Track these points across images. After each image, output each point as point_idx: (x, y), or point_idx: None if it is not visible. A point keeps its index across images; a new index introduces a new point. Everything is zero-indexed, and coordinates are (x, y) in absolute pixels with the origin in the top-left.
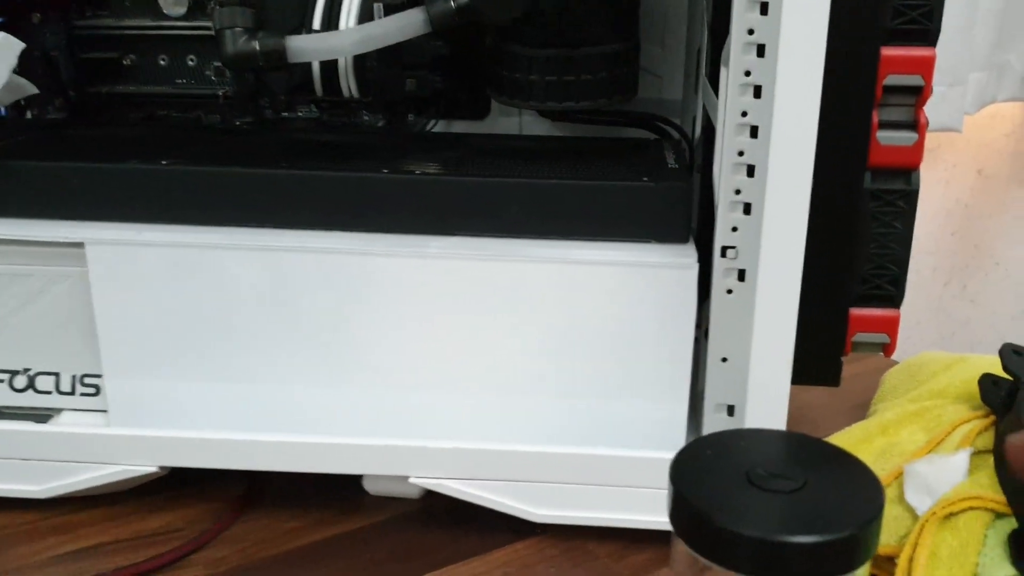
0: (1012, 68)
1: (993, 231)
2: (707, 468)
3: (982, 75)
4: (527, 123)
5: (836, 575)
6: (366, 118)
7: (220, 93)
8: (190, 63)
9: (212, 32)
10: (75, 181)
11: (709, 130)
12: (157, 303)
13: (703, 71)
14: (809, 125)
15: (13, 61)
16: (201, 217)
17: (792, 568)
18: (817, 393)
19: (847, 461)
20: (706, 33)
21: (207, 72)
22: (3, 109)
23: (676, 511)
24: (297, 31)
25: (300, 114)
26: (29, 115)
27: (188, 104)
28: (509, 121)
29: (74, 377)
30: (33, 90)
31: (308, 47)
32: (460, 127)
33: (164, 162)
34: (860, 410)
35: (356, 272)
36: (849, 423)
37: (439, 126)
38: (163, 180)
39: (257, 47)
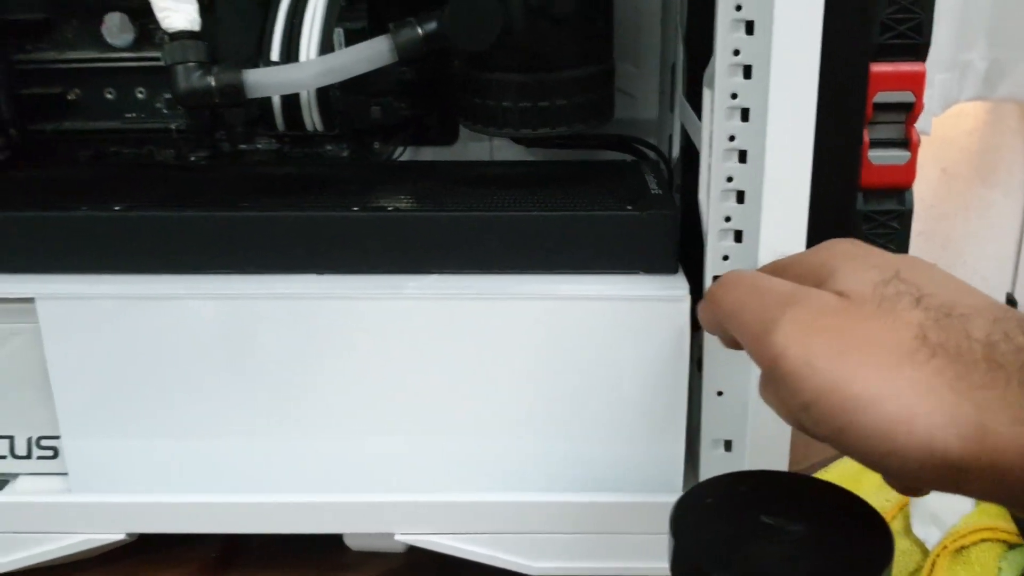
0: (974, 67)
1: (959, 229)
2: (708, 517)
3: (946, 76)
4: (498, 147)
5: None
6: (329, 148)
7: (173, 127)
8: (139, 96)
9: (161, 63)
10: (22, 232)
11: (689, 150)
12: (115, 358)
13: (679, 89)
14: (804, 149)
15: None
16: (158, 265)
17: None
18: None
19: (853, 505)
20: (681, 49)
21: (158, 105)
22: None
23: (678, 565)
24: (252, 62)
25: (259, 146)
26: None
27: (139, 139)
28: (479, 146)
29: (30, 439)
30: None
31: (267, 81)
32: (428, 154)
33: (117, 208)
34: None
35: (329, 317)
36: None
37: (406, 153)
38: (116, 227)
39: (212, 83)
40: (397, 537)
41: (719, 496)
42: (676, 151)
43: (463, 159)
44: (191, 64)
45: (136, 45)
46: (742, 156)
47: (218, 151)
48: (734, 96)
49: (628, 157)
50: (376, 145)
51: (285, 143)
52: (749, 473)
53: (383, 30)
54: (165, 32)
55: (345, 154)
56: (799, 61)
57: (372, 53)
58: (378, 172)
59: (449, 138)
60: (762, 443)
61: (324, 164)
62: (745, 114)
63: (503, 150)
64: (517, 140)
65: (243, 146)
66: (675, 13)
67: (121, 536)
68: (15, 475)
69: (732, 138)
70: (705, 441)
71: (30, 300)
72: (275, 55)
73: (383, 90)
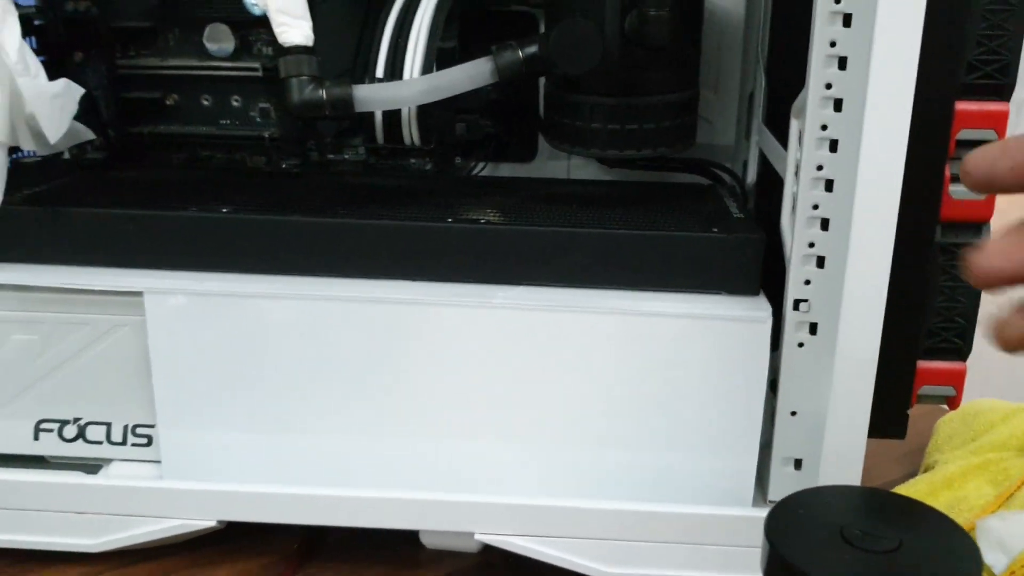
0: None
1: None
2: (800, 526)
3: None
4: (575, 166)
5: None
6: (413, 161)
7: (265, 135)
8: (235, 104)
9: (258, 73)
10: (133, 228)
11: (766, 177)
12: (214, 353)
13: (758, 117)
14: (893, 181)
15: (74, 108)
16: (262, 266)
17: None
18: (868, 441)
19: (940, 521)
20: (762, 78)
21: (252, 113)
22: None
23: (772, 569)
24: (347, 75)
25: (346, 156)
26: (66, 155)
27: (232, 146)
28: (557, 164)
29: (126, 427)
30: (90, 135)
31: (375, 96)
32: (506, 170)
33: (225, 210)
34: (910, 458)
35: (421, 322)
36: (901, 471)
37: (486, 169)
38: (223, 228)
39: (324, 96)
40: (477, 536)
41: (810, 507)
42: (751, 176)
43: (541, 176)
44: (304, 77)
45: (235, 55)
46: (828, 185)
47: (307, 160)
48: (824, 127)
49: (704, 181)
50: (458, 160)
51: (371, 154)
52: (836, 488)
53: (469, 50)
54: (280, 46)
55: (428, 167)
56: (893, 97)
57: (474, 73)
58: (463, 186)
59: (528, 155)
60: (838, 463)
61: (411, 176)
62: (834, 145)
63: (580, 169)
64: (601, 160)
65: (331, 156)
66: (756, 42)
67: (212, 523)
68: (109, 460)
69: (820, 167)
70: (776, 459)
71: (138, 294)
72: (380, 72)
73: (469, 107)
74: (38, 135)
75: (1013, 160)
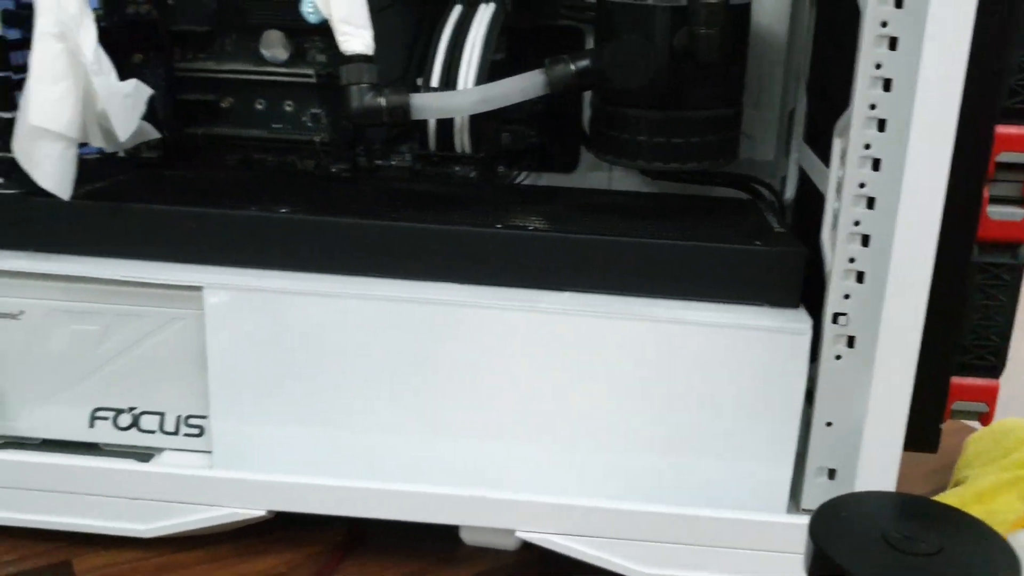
0: None
1: None
2: (844, 528)
3: None
4: (616, 178)
5: None
6: (457, 169)
7: (316, 139)
8: (287, 108)
9: (312, 79)
10: (193, 225)
11: (805, 193)
12: (268, 347)
13: (798, 133)
14: (936, 201)
15: (143, 107)
16: (317, 265)
17: None
18: None
19: (979, 528)
20: (803, 96)
21: (304, 118)
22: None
23: (817, 569)
24: (398, 83)
25: (393, 162)
26: (121, 153)
27: (283, 149)
28: (599, 175)
29: (179, 417)
30: (155, 134)
31: (431, 105)
32: (548, 179)
33: (283, 210)
34: (939, 475)
35: (467, 324)
36: (929, 487)
37: (528, 179)
38: (282, 228)
39: (383, 103)
40: (518, 534)
41: (852, 511)
42: (789, 192)
43: (582, 187)
44: (364, 85)
45: (289, 61)
46: (870, 203)
47: (356, 165)
48: (867, 147)
49: (743, 195)
50: (501, 168)
51: (418, 161)
52: (878, 493)
53: (517, 62)
54: (341, 53)
55: (472, 175)
56: (937, 119)
57: (527, 85)
58: (507, 194)
59: (570, 166)
60: (874, 473)
61: (456, 183)
62: (876, 164)
63: (622, 181)
64: (645, 172)
65: (379, 162)
66: (798, 61)
67: (261, 512)
68: (161, 449)
69: (862, 185)
70: (810, 468)
71: (197, 288)
72: (435, 81)
73: (514, 117)
74: (108, 133)
75: None
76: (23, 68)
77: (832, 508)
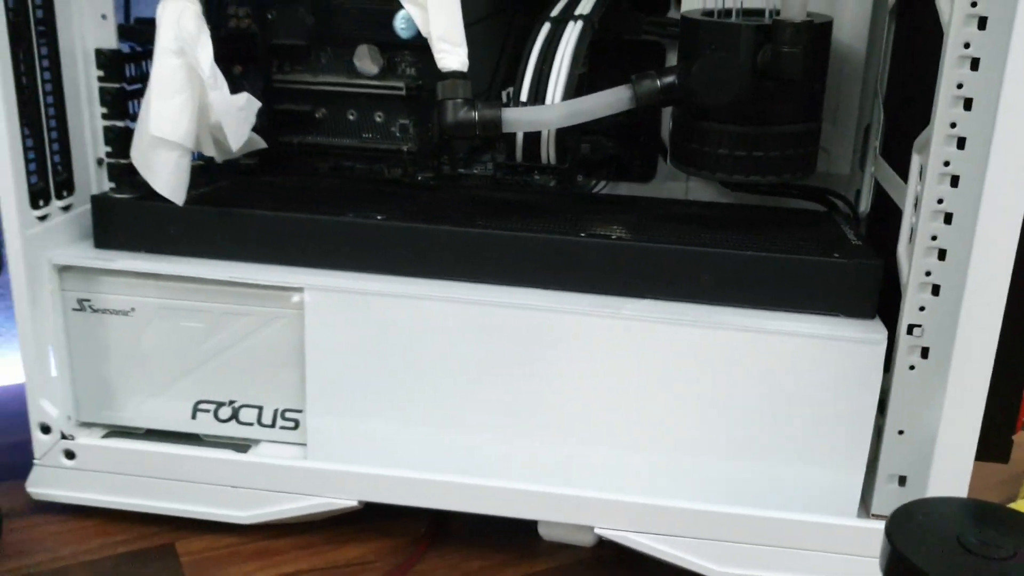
0: None
1: None
2: (920, 531)
3: None
4: (692, 188)
5: None
6: (537, 178)
7: (404, 148)
8: (377, 119)
9: (402, 92)
10: (294, 230)
11: (881, 206)
12: (363, 346)
13: (874, 148)
14: (1014, 217)
15: (253, 119)
16: (411, 269)
17: None
18: None
19: None
20: (880, 112)
21: (393, 128)
22: (196, 154)
23: (893, 570)
24: (483, 96)
25: (475, 171)
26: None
27: (372, 157)
28: (676, 185)
29: (276, 411)
30: (263, 145)
31: (522, 119)
32: (625, 189)
33: (379, 217)
34: (1009, 485)
35: (553, 328)
36: (1000, 497)
37: (606, 188)
38: (378, 233)
39: (476, 117)
40: (596, 531)
41: (928, 514)
42: (864, 205)
43: (659, 196)
44: (459, 100)
45: (380, 75)
46: (947, 218)
47: (440, 173)
48: (946, 164)
49: (820, 208)
50: (580, 178)
51: (499, 170)
52: (952, 499)
53: (599, 74)
54: (437, 69)
55: (552, 184)
56: (1018, 138)
57: (614, 100)
58: (587, 202)
59: (647, 176)
60: (946, 481)
61: (536, 192)
62: (955, 180)
63: (698, 191)
64: (725, 184)
65: (461, 170)
66: (875, 78)
67: (353, 503)
68: (257, 441)
69: (940, 201)
70: (881, 475)
71: (299, 289)
72: (524, 96)
73: (594, 128)
74: (219, 143)
75: None
76: (135, 79)
77: (907, 512)
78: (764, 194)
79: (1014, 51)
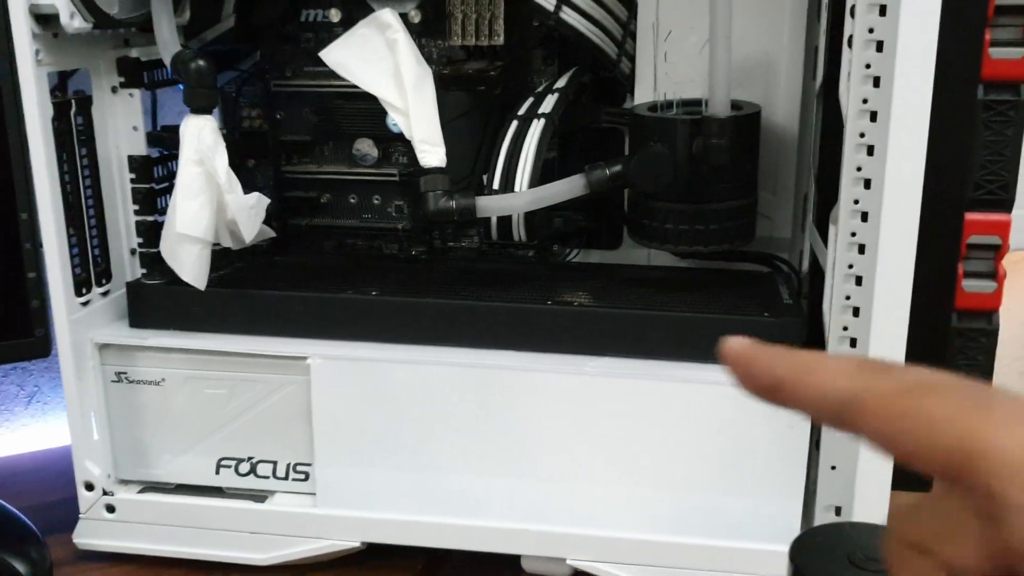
0: None
1: None
2: (818, 551)
3: None
4: (655, 254)
5: None
6: (518, 250)
7: (399, 226)
8: (375, 201)
9: (396, 177)
10: (300, 306)
11: (816, 268)
12: (362, 406)
13: (810, 216)
14: (906, 277)
15: (263, 215)
16: (402, 337)
17: None
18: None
19: None
20: (813, 183)
21: (389, 209)
22: None
23: None
24: (465, 182)
25: (463, 244)
26: None
27: (371, 235)
28: (639, 252)
29: (289, 465)
30: (272, 234)
31: (492, 205)
32: (595, 256)
33: (373, 292)
34: None
35: (525, 385)
36: None
37: (579, 256)
38: (373, 307)
39: (454, 206)
40: (568, 562)
41: (827, 537)
42: (806, 265)
43: (625, 262)
44: (439, 192)
45: (377, 163)
46: (858, 280)
47: (432, 247)
48: (853, 234)
49: (765, 269)
50: (555, 247)
51: (483, 243)
52: (852, 523)
53: (568, 161)
54: (422, 167)
55: (530, 254)
56: (904, 213)
57: (571, 187)
58: (559, 271)
59: (614, 243)
60: (865, 509)
61: (515, 261)
62: (862, 248)
63: (659, 256)
64: (674, 253)
65: (451, 243)
66: (808, 152)
67: (356, 544)
68: (273, 492)
69: (851, 266)
70: (819, 506)
71: (303, 358)
72: (496, 185)
73: (565, 204)
74: (235, 235)
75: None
76: (162, 179)
77: (811, 536)
78: (715, 259)
79: (893, 139)
